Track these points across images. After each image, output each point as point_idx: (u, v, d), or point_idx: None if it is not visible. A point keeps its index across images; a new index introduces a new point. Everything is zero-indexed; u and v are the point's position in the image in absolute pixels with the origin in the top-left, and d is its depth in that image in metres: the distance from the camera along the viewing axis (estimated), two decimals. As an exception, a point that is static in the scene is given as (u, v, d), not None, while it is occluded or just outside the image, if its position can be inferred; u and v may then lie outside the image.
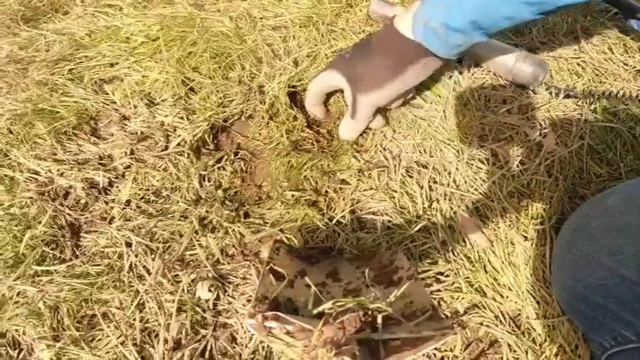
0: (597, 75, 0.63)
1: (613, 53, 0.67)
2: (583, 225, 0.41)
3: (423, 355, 0.43)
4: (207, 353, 0.44)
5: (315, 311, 0.34)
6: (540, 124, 0.58)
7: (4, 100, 0.61)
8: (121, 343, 0.44)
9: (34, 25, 0.75)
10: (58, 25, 0.74)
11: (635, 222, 0.38)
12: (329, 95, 0.61)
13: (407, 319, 0.35)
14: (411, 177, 0.54)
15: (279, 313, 0.32)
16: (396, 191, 0.53)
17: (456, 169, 0.54)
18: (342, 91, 0.55)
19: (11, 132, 0.58)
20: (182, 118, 0.58)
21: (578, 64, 0.65)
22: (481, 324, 0.46)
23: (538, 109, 0.60)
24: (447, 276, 0.48)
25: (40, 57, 0.67)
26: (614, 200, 0.41)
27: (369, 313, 0.33)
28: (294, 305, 0.36)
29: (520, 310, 0.47)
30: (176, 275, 0.48)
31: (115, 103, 0.61)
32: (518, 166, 0.54)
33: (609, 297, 0.35)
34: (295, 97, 0.61)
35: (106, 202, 0.52)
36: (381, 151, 0.57)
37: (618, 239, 0.36)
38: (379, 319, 0.33)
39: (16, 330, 0.46)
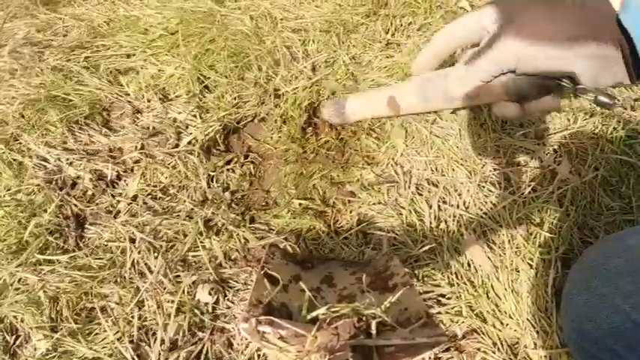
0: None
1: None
2: (600, 263, 0.40)
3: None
4: (202, 356, 0.44)
5: (309, 316, 0.34)
6: (556, 151, 0.57)
7: (17, 83, 0.61)
8: (118, 339, 0.44)
9: (53, 8, 0.74)
10: (77, 10, 0.73)
11: None
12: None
13: (401, 325, 0.34)
14: (420, 195, 0.54)
15: (272, 318, 0.32)
16: (404, 208, 0.52)
17: (467, 190, 0.54)
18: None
19: (23, 116, 0.58)
20: (195, 116, 0.58)
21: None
22: (478, 349, 0.45)
23: (555, 135, 0.59)
24: (448, 299, 0.48)
25: (57, 42, 0.67)
26: (636, 241, 0.39)
27: (364, 319, 0.33)
28: (288, 310, 0.36)
29: (519, 339, 0.46)
30: (177, 275, 0.47)
31: (128, 95, 0.60)
32: (530, 192, 0.54)
33: (620, 341, 0.34)
34: (310, 104, 0.60)
35: (113, 196, 0.52)
36: (392, 166, 0.56)
37: (636, 282, 0.35)
38: (373, 326, 0.32)
39: (15, 317, 0.46)
